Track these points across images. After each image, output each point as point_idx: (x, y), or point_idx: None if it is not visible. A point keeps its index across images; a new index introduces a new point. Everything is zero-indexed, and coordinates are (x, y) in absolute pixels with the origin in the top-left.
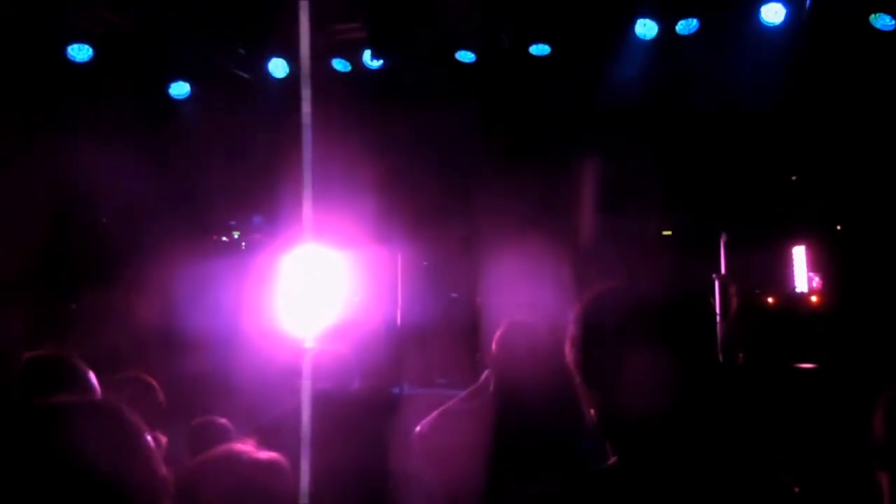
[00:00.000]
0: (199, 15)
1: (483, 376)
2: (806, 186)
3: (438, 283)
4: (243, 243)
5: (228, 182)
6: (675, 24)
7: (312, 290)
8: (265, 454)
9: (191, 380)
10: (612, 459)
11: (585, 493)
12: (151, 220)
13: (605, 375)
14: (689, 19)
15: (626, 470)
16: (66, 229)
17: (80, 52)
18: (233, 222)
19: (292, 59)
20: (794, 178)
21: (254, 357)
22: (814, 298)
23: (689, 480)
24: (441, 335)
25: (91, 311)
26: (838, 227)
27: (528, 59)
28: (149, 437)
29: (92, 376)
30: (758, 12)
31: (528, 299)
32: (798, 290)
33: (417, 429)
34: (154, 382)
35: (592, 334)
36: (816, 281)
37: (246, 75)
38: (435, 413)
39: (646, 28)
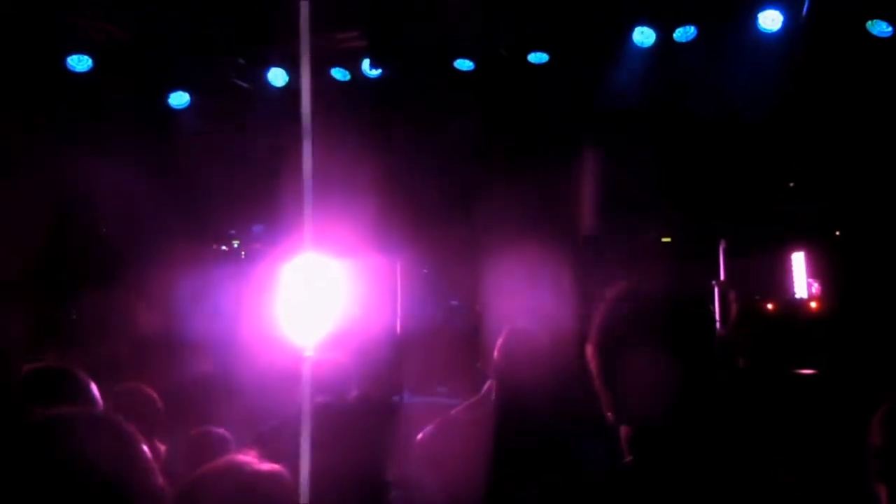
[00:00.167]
0: (199, 25)
1: (485, 387)
2: (805, 192)
3: (438, 290)
4: (243, 252)
5: (228, 191)
6: (673, 31)
7: (312, 298)
8: (267, 465)
9: (190, 388)
10: (628, 459)
11: (601, 491)
12: (151, 230)
13: (619, 377)
14: (687, 27)
15: (641, 470)
16: (66, 238)
17: (79, 63)
18: (232, 231)
19: (291, 68)
20: (791, 184)
21: (253, 365)
22: (813, 304)
23: (700, 481)
24: (441, 343)
25: (91, 320)
26: (837, 233)
27: (527, 67)
28: (146, 448)
29: (94, 388)
30: (755, 19)
31: (528, 306)
32: (797, 295)
33: (419, 436)
34: (153, 392)
35: (607, 337)
36: (816, 287)
37: (245, 85)
38: (436, 421)
39: (643, 36)
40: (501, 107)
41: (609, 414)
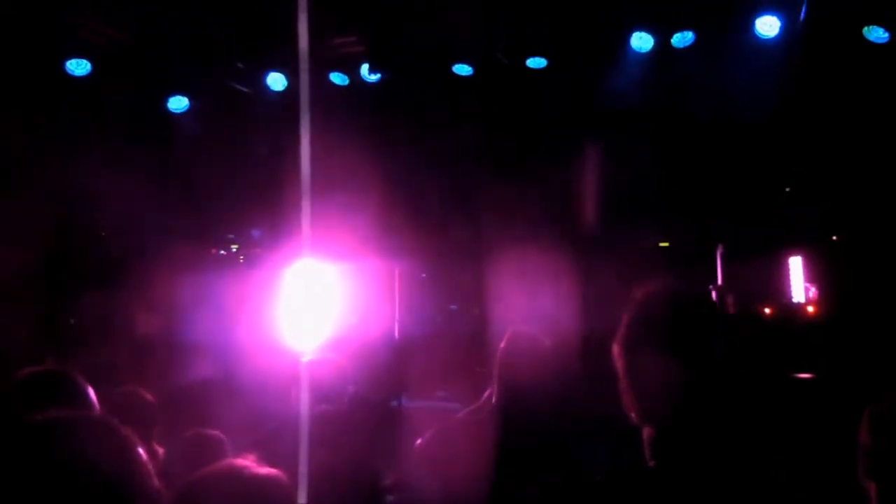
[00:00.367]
0: (198, 29)
1: (485, 395)
2: (802, 196)
3: (437, 295)
4: (242, 257)
5: (227, 196)
6: (671, 37)
7: (311, 303)
8: (265, 469)
9: (188, 392)
10: (651, 462)
11: (623, 494)
12: (150, 234)
13: (640, 378)
14: (685, 32)
15: (663, 473)
16: (65, 241)
17: (78, 67)
18: (231, 236)
19: (290, 72)
20: (787, 189)
21: (252, 369)
22: (810, 308)
23: (720, 483)
24: (440, 347)
25: (90, 323)
26: (834, 238)
27: (525, 71)
28: (142, 451)
29: (91, 391)
30: (752, 25)
31: (528, 309)
32: (795, 300)
33: (418, 442)
34: (150, 396)
35: (630, 338)
36: (813, 291)
37: (244, 89)
38: (436, 426)
39: (641, 41)
40: (500, 112)
41: (632, 414)
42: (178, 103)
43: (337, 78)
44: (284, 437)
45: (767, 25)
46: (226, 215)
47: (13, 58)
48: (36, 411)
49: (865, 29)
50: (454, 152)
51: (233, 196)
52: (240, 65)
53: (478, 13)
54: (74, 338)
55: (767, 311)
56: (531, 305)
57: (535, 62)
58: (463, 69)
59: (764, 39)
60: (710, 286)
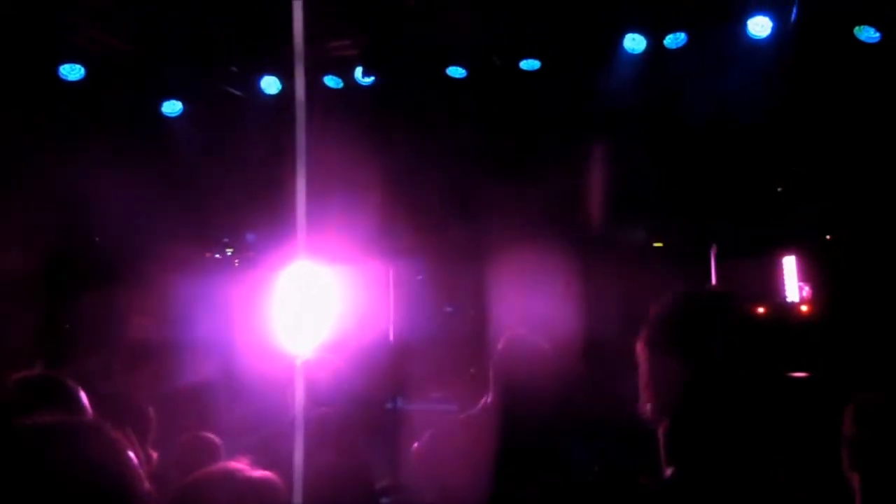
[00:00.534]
0: (192, 33)
1: (482, 401)
2: (795, 196)
3: (433, 296)
4: (236, 261)
5: (221, 200)
6: (664, 38)
7: (305, 306)
8: (259, 472)
9: (184, 395)
10: (669, 471)
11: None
12: (144, 238)
13: (657, 376)
14: (677, 33)
15: (682, 484)
16: (58, 246)
17: (72, 72)
18: (226, 239)
19: (285, 76)
20: (779, 189)
21: (247, 373)
22: (804, 307)
23: (740, 495)
24: (435, 349)
25: (83, 328)
26: (828, 237)
27: (519, 73)
28: (133, 455)
29: (83, 395)
30: (744, 26)
31: (524, 311)
32: (788, 299)
33: (415, 445)
34: (145, 401)
35: (651, 337)
36: (806, 290)
37: (238, 93)
38: (432, 429)
39: (634, 42)
40: (495, 113)
41: (647, 409)
42: (172, 107)
43: (331, 81)
44: (280, 440)
45: (759, 26)
46: (220, 219)
47: (6, 62)
48: (27, 416)
49: (857, 29)
50: (449, 154)
51: (227, 200)
52: (234, 68)
53: (471, 15)
54: (68, 342)
55: (761, 310)
56: (526, 306)
57: (529, 64)
58: (457, 71)
59: (756, 40)
60: (705, 286)
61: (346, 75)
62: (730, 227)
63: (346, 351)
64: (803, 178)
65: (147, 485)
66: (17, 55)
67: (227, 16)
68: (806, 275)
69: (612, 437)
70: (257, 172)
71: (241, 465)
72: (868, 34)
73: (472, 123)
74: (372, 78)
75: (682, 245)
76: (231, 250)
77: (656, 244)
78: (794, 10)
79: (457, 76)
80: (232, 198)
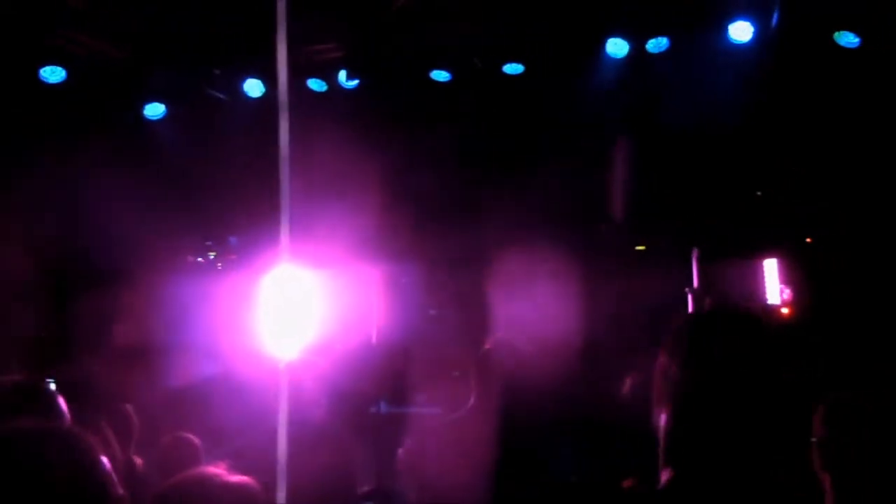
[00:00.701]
0: (174, 35)
1: (467, 404)
2: (776, 199)
3: (417, 300)
4: (219, 264)
5: (204, 203)
6: (646, 42)
7: (288, 310)
8: (237, 477)
9: (167, 401)
10: (666, 475)
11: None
12: (126, 243)
13: (669, 380)
14: (660, 38)
15: (678, 489)
16: (38, 252)
17: (52, 74)
18: (209, 243)
19: (268, 79)
20: (758, 193)
21: (231, 377)
22: (785, 310)
23: (740, 495)
24: (420, 352)
25: (66, 335)
26: (808, 240)
27: (503, 77)
28: (106, 460)
29: (61, 401)
30: (726, 31)
31: (506, 314)
32: (770, 302)
33: (400, 450)
34: (129, 408)
35: (669, 344)
36: (787, 293)
37: (221, 96)
38: (417, 432)
39: (617, 47)
40: (477, 117)
41: (656, 410)
42: (154, 110)
43: (315, 84)
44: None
45: (740, 31)
46: (203, 222)
47: None
48: (4, 422)
49: (836, 34)
50: (433, 158)
51: (210, 203)
52: (217, 71)
53: (455, 19)
54: (52, 347)
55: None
56: (510, 309)
57: (513, 68)
58: (441, 75)
59: (737, 45)
60: (686, 289)
61: (330, 78)
62: (711, 230)
63: (331, 354)
64: (785, 181)
65: (121, 490)
66: None
67: (210, 18)
68: (787, 278)
69: (601, 438)
70: (240, 175)
71: (219, 470)
72: (847, 39)
73: (455, 127)
74: (356, 81)
75: (664, 248)
76: (214, 254)
77: (639, 247)
78: (775, 16)
79: (441, 80)
80: (215, 201)
